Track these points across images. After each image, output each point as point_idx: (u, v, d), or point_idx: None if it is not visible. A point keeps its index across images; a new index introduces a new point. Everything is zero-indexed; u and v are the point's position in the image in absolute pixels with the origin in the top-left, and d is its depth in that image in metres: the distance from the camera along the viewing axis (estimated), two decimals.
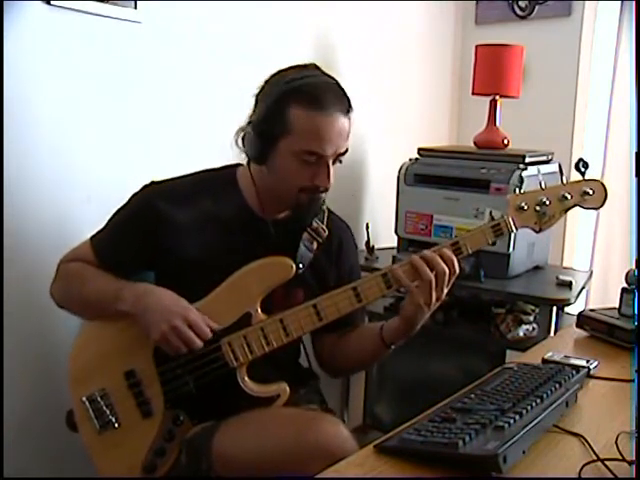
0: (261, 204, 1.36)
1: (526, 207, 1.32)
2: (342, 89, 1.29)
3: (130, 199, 1.36)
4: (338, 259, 1.44)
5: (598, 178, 1.34)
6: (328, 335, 1.42)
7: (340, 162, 1.31)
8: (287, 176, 1.28)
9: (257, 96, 1.31)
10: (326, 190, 1.30)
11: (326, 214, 1.42)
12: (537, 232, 1.35)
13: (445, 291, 1.25)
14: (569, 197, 1.31)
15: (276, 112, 1.24)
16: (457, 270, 1.25)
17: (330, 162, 1.27)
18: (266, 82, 1.30)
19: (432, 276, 1.22)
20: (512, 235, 2.03)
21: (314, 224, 1.38)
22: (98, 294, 1.32)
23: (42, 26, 1.53)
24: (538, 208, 1.32)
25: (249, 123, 1.30)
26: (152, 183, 1.36)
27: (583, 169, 1.31)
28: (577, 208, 1.34)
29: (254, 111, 1.30)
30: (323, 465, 0.98)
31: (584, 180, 1.32)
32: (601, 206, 1.33)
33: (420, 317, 1.27)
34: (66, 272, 1.39)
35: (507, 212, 1.32)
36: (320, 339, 1.46)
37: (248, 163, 1.36)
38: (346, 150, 1.29)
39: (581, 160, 1.31)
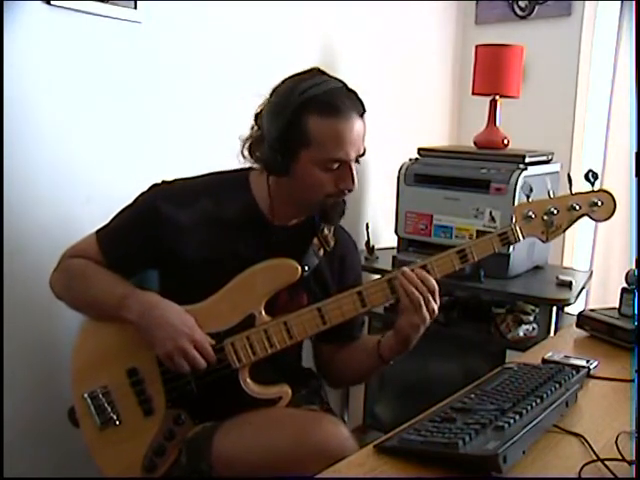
0: (273, 209, 1.34)
1: (533, 216, 1.31)
2: (353, 91, 1.28)
3: (137, 198, 1.36)
4: (341, 274, 1.43)
5: (607, 189, 1.32)
6: (326, 346, 1.43)
7: (358, 162, 1.30)
8: (313, 186, 1.27)
9: (267, 108, 1.27)
10: (351, 192, 1.30)
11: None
12: (544, 242, 1.34)
13: (436, 308, 1.24)
14: (578, 207, 1.31)
15: (294, 125, 1.22)
16: (436, 287, 1.24)
17: (353, 165, 1.27)
18: (274, 94, 1.27)
19: (420, 295, 1.22)
20: None
21: (325, 231, 1.38)
22: (102, 298, 1.31)
23: (42, 26, 1.53)
24: (546, 217, 1.31)
25: (259, 136, 1.28)
26: (163, 182, 1.36)
27: (592, 180, 1.30)
28: None
29: (267, 125, 1.26)
30: (323, 465, 0.98)
31: (593, 191, 1.31)
32: (609, 217, 1.33)
33: (414, 335, 1.27)
34: (69, 269, 1.37)
35: (514, 220, 1.31)
36: (319, 349, 1.46)
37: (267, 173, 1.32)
38: (364, 151, 1.30)
39: (590, 171, 1.31)
